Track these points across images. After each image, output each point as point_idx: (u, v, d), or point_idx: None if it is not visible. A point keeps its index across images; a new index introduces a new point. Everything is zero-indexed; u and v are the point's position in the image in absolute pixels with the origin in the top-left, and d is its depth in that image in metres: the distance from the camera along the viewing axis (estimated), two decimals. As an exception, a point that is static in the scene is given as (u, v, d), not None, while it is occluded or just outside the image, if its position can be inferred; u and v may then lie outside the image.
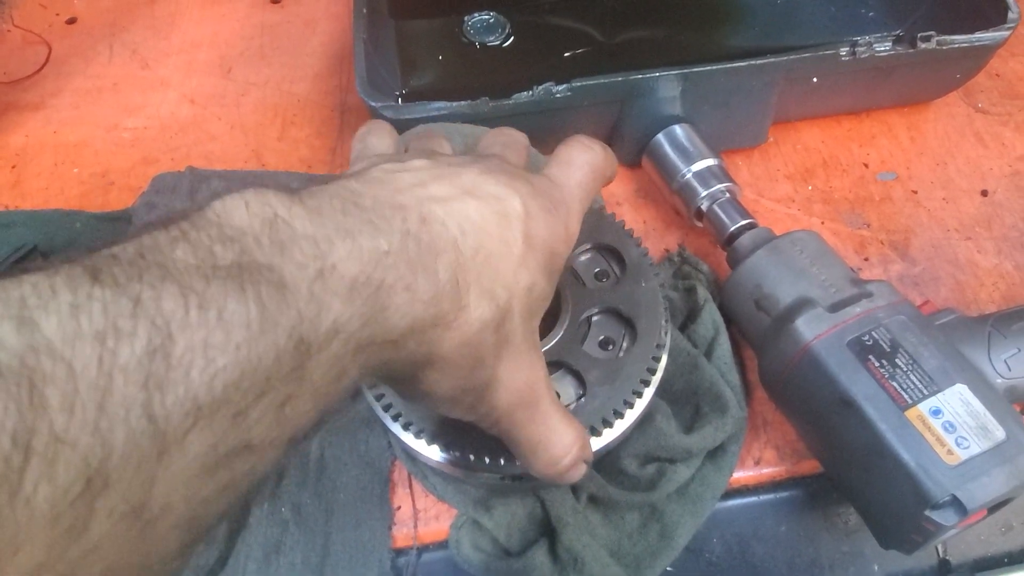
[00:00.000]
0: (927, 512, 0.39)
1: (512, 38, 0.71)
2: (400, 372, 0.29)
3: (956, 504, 0.38)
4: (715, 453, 0.47)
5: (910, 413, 0.40)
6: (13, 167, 0.63)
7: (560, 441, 0.34)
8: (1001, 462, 0.39)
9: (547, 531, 0.46)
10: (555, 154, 0.38)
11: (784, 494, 0.49)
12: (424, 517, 0.47)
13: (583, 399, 0.41)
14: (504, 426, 0.33)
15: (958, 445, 0.39)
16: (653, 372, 0.43)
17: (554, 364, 0.42)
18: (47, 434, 0.17)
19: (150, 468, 0.19)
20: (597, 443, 0.41)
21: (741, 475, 0.48)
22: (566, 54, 0.70)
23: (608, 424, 0.41)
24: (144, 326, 0.19)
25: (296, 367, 0.23)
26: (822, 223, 0.59)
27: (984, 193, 0.61)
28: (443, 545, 0.46)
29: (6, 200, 0.61)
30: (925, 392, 0.41)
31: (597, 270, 0.47)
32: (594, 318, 0.45)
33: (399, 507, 0.47)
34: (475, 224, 0.29)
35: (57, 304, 0.18)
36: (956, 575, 0.47)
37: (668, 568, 0.46)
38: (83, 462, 0.17)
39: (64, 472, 0.17)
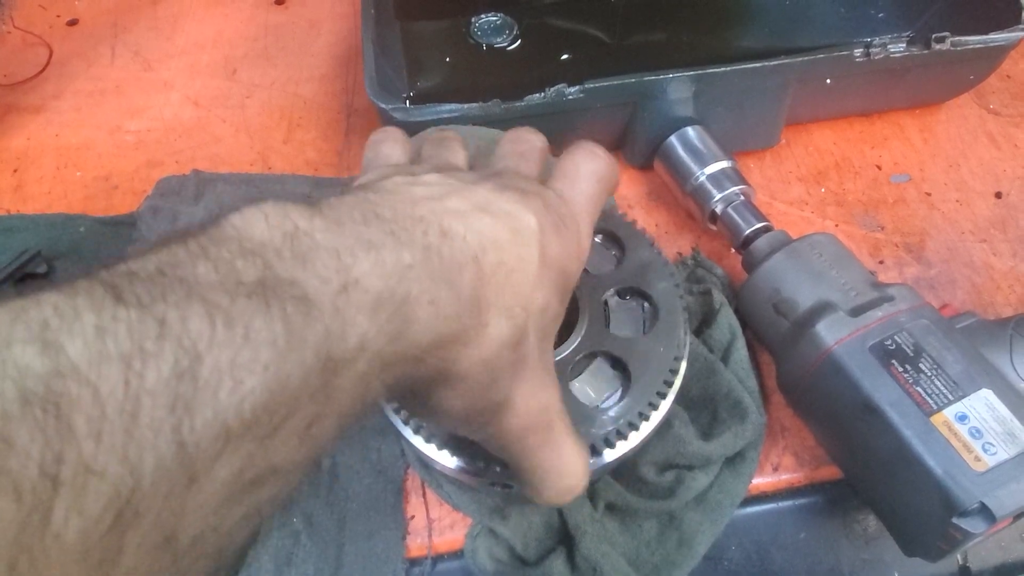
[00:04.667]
0: (955, 520, 0.38)
1: (520, 40, 0.70)
2: (414, 388, 0.28)
3: (984, 512, 0.38)
4: (734, 460, 0.47)
5: (936, 419, 0.40)
6: (15, 171, 0.62)
7: (573, 469, 0.33)
8: (1029, 468, 0.38)
9: (564, 539, 0.45)
10: (559, 165, 0.36)
11: (803, 500, 0.48)
12: (438, 526, 0.46)
13: (623, 392, 0.40)
14: (514, 450, 0.32)
15: (985, 451, 0.39)
16: (673, 377, 0.42)
17: (590, 355, 0.42)
18: (76, 463, 0.16)
19: (180, 496, 0.18)
20: (617, 451, 0.40)
21: (760, 481, 0.48)
22: (574, 56, 0.69)
23: (631, 430, 0.40)
24: (171, 347, 0.18)
25: (323, 386, 0.22)
26: (836, 225, 0.58)
27: (998, 195, 0.60)
28: (458, 555, 0.46)
29: (8, 204, 0.60)
30: (950, 397, 0.40)
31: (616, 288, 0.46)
32: (612, 304, 0.44)
33: (413, 516, 0.46)
34: (493, 240, 0.28)
35: (81, 326, 0.17)
36: (977, 582, 0.47)
37: (687, 577, 0.46)
38: (113, 492, 0.17)
39: (94, 503, 0.16)
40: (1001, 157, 0.62)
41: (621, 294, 0.44)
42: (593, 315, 0.43)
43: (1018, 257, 0.56)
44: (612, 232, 0.46)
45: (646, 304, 0.44)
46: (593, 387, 0.41)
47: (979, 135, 0.64)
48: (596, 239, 0.47)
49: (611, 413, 0.39)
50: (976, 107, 0.66)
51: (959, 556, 0.48)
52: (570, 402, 0.39)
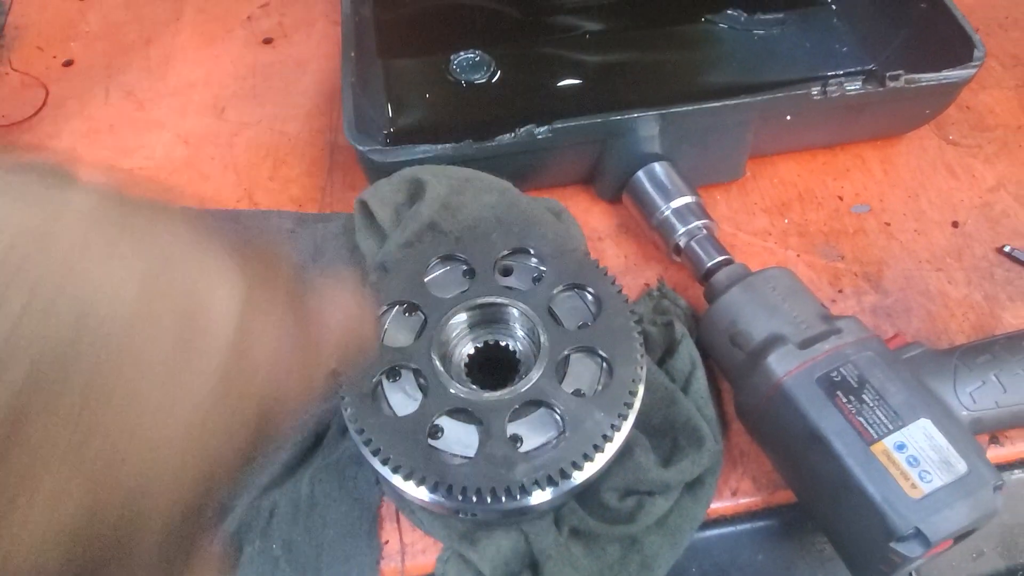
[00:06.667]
0: (892, 544, 0.40)
1: (498, 74, 0.73)
2: None
3: (920, 536, 0.40)
4: (693, 485, 0.49)
5: (876, 448, 0.42)
6: (12, 209, 0.65)
7: None
8: (963, 495, 0.40)
9: (531, 564, 0.47)
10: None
11: (761, 524, 0.50)
12: (411, 551, 0.48)
13: (563, 436, 0.43)
14: None
15: (921, 479, 0.41)
16: (630, 406, 0.44)
17: (534, 403, 0.44)
18: None
19: None
20: (580, 476, 0.43)
21: (719, 505, 0.50)
22: (550, 91, 0.72)
23: (589, 458, 0.42)
24: None
25: None
26: (798, 256, 0.61)
27: (955, 224, 0.62)
28: (430, 578, 0.48)
29: (5, 242, 0.62)
30: (890, 427, 0.43)
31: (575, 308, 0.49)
32: (572, 356, 0.47)
33: (387, 541, 0.49)
34: None
35: None
36: (930, 601, 0.49)
37: (649, 598, 0.48)
38: None
39: None
40: (959, 187, 0.65)
41: (583, 351, 0.47)
42: (550, 366, 0.45)
43: (972, 285, 0.59)
44: (592, 288, 0.49)
45: (604, 364, 0.46)
46: (529, 432, 0.44)
47: (938, 166, 0.66)
48: (572, 292, 0.49)
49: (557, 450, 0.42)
50: (936, 138, 0.68)
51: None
52: (502, 443, 0.42)
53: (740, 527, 0.50)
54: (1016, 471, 0.52)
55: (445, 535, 0.48)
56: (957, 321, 0.57)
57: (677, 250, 0.57)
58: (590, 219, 0.63)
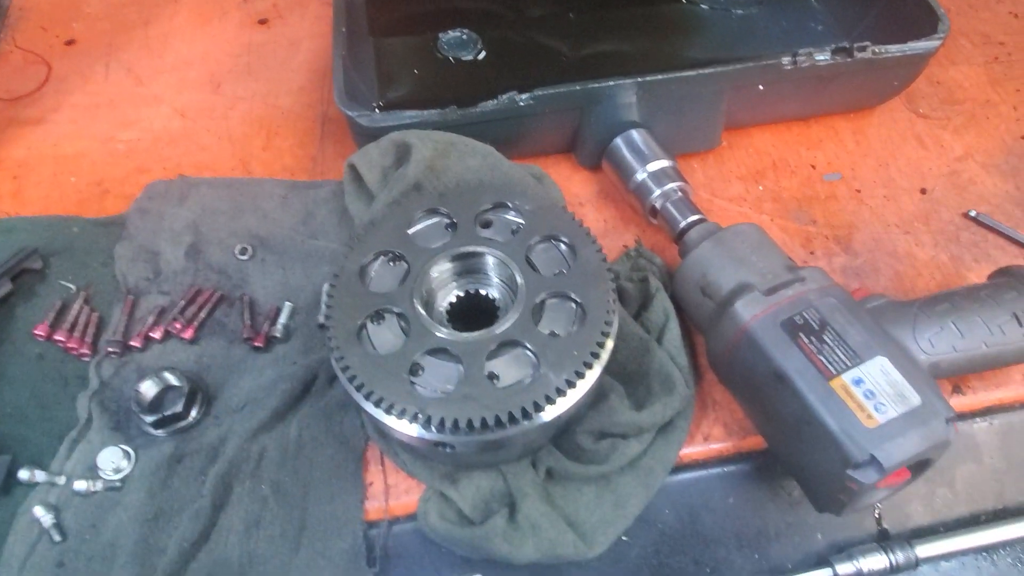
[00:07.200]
0: (849, 471, 0.42)
1: (484, 52, 0.75)
2: None
3: (875, 463, 0.42)
4: (665, 429, 0.51)
5: (834, 383, 0.44)
6: (15, 177, 0.67)
7: None
8: (916, 425, 0.42)
9: (509, 503, 0.49)
10: None
11: (732, 468, 0.52)
12: (395, 492, 0.50)
13: (538, 373, 0.45)
14: None
15: (877, 410, 0.43)
16: (602, 345, 0.46)
17: (510, 343, 0.46)
18: None
19: None
20: (553, 411, 0.45)
21: (691, 450, 0.52)
22: (534, 67, 0.74)
23: (562, 393, 0.44)
24: None
25: None
26: (771, 220, 0.63)
27: (923, 191, 0.65)
28: (413, 517, 0.50)
29: (8, 208, 0.65)
30: (849, 364, 0.45)
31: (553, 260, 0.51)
32: (547, 301, 0.49)
33: (372, 483, 0.51)
34: None
35: None
36: (894, 543, 0.51)
37: (623, 537, 0.50)
38: None
39: None
40: (927, 156, 0.67)
41: (559, 298, 0.49)
42: (526, 312, 0.47)
43: (939, 247, 0.61)
44: (570, 242, 0.51)
45: (578, 308, 0.48)
46: (505, 370, 0.46)
47: (908, 137, 0.69)
48: (550, 245, 0.52)
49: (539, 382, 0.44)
50: (906, 111, 0.70)
51: (878, 519, 0.52)
52: (480, 379, 0.44)
53: (712, 471, 0.52)
54: (978, 420, 0.54)
55: (427, 476, 0.50)
56: (924, 280, 0.59)
57: (653, 212, 0.59)
58: (571, 186, 0.65)
